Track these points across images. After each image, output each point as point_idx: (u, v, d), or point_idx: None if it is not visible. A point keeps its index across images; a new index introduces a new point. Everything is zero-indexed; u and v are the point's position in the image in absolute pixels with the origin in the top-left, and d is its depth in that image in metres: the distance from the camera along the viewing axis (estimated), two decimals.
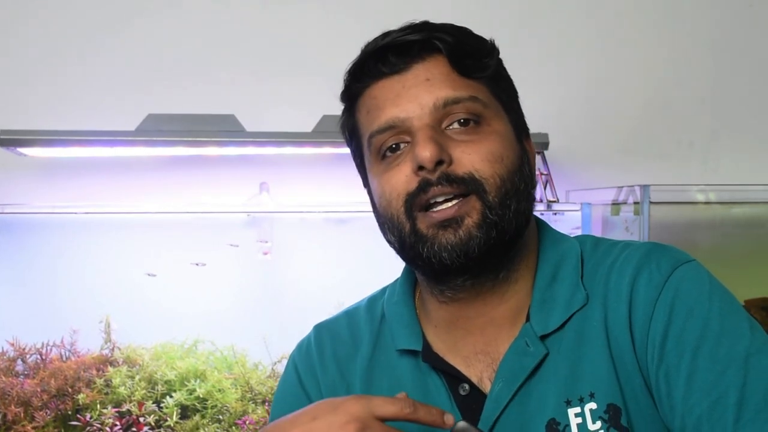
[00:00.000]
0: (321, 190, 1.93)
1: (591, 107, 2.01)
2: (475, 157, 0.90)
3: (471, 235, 0.89)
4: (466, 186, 0.89)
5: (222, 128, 1.68)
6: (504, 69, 0.98)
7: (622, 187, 1.74)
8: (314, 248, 1.91)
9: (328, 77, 1.88)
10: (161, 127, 1.67)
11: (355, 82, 0.97)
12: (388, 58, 0.93)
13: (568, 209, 1.85)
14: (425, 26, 0.93)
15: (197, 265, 1.86)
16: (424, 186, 0.89)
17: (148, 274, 1.86)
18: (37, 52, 1.91)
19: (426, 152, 0.88)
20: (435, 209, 0.90)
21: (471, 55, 0.93)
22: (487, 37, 0.97)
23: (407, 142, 0.92)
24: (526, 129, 1.01)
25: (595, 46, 2.02)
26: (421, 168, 0.89)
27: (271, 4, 1.96)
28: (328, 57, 1.94)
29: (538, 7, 1.99)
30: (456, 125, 0.91)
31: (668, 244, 0.95)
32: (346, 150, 1.72)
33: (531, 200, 0.96)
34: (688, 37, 2.05)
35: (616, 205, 1.77)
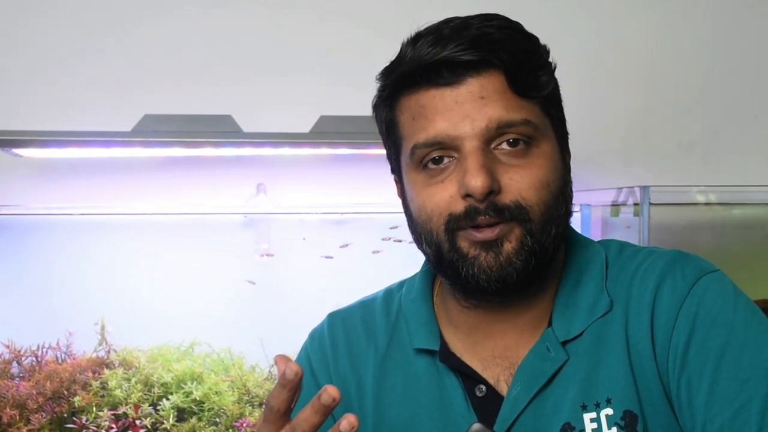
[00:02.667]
0: (319, 191, 1.92)
1: (591, 108, 2.00)
2: (522, 184, 0.87)
3: (510, 261, 0.87)
4: (511, 214, 0.87)
5: (219, 129, 1.66)
6: (556, 80, 0.95)
7: (622, 188, 1.73)
8: (312, 249, 1.90)
9: (325, 78, 1.91)
10: (158, 128, 1.65)
11: (401, 87, 0.92)
12: (441, 72, 0.88)
13: None
14: (482, 40, 0.87)
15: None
16: (471, 213, 0.87)
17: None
18: (32, 53, 1.90)
19: (478, 182, 0.85)
20: (477, 229, 0.88)
21: (528, 72, 0.89)
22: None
23: (452, 157, 0.89)
24: (567, 135, 0.98)
25: (594, 46, 2.02)
26: (468, 195, 0.86)
27: (268, 4, 1.95)
28: (325, 57, 1.94)
29: (536, 7, 1.98)
30: (505, 145, 0.88)
31: (693, 253, 0.94)
32: (344, 151, 1.73)
33: (569, 219, 0.94)
34: (688, 37, 2.04)
35: (615, 206, 1.76)
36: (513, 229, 0.87)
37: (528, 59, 0.90)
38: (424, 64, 0.88)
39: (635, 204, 1.68)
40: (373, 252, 1.81)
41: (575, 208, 1.87)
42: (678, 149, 2.04)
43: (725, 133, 2.05)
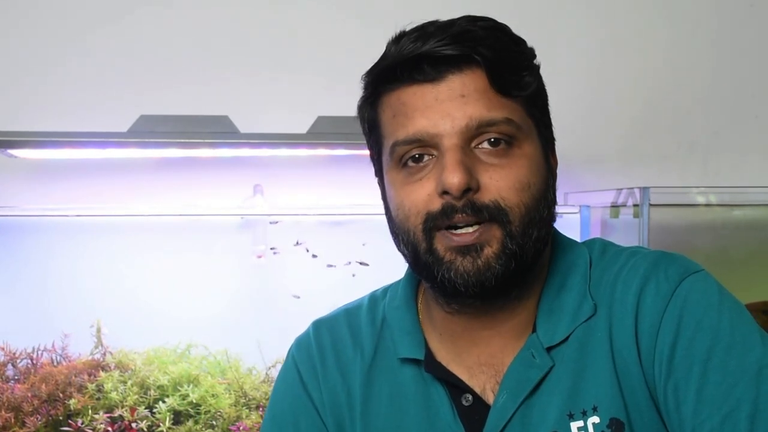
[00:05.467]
0: (316, 192, 1.91)
1: (590, 108, 1.99)
2: (502, 184, 0.86)
3: (489, 266, 0.86)
4: (489, 214, 0.86)
5: (215, 129, 1.65)
6: (541, 79, 0.93)
7: (622, 189, 1.72)
8: (309, 251, 1.89)
9: (323, 78, 1.90)
10: (154, 129, 1.64)
11: (383, 83, 0.91)
12: (422, 68, 0.87)
13: (566, 212, 1.84)
14: (465, 36, 0.87)
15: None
16: (447, 211, 0.86)
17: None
18: (27, 53, 1.89)
19: (455, 179, 0.84)
20: (455, 231, 0.87)
21: (510, 71, 0.88)
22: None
23: (432, 155, 0.88)
24: (553, 141, 0.97)
25: (594, 47, 2.01)
26: (446, 192, 0.86)
27: (266, 4, 1.94)
28: (323, 58, 1.93)
29: (535, 7, 1.97)
30: (486, 144, 0.87)
31: (676, 252, 0.93)
32: (342, 152, 1.72)
33: (552, 222, 0.93)
34: (688, 37, 2.03)
35: (615, 207, 1.75)
36: (493, 232, 0.86)
37: (511, 58, 0.88)
38: (405, 58, 0.87)
39: (635, 205, 1.67)
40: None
41: (574, 209, 1.86)
42: (678, 150, 2.03)
43: (726, 134, 2.04)
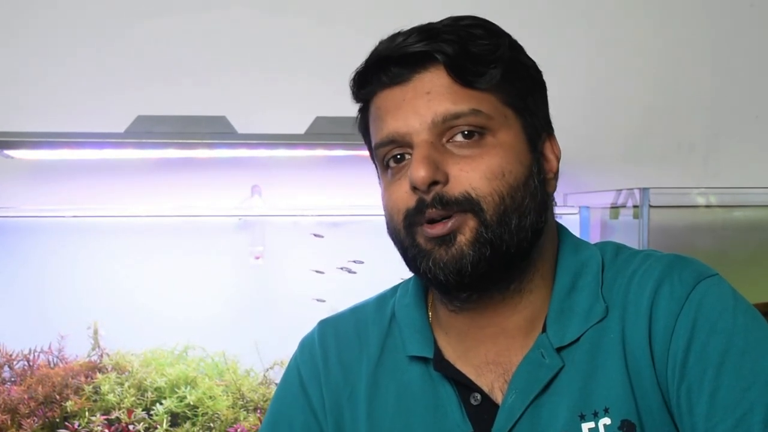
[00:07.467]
0: (314, 193, 1.91)
1: (590, 109, 1.99)
2: (473, 174, 0.87)
3: (463, 253, 0.87)
4: (461, 206, 0.86)
5: (213, 130, 1.65)
6: (521, 67, 0.93)
7: (621, 190, 1.72)
8: (307, 252, 1.88)
9: (321, 78, 1.89)
10: (151, 129, 1.64)
11: (360, 89, 0.95)
12: (390, 69, 0.90)
13: (566, 213, 1.83)
14: (428, 34, 0.89)
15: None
16: (420, 206, 0.88)
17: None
18: (24, 53, 1.88)
19: (419, 173, 0.86)
20: (431, 224, 0.88)
21: (475, 64, 0.88)
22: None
23: (410, 154, 0.89)
24: (548, 128, 0.96)
25: (595, 48, 2.00)
26: (415, 188, 0.87)
27: (263, 5, 1.93)
28: (321, 58, 1.93)
29: (536, 9, 1.97)
30: (459, 137, 0.88)
31: (691, 256, 0.92)
32: (340, 152, 1.72)
33: (541, 211, 0.92)
34: (689, 38, 2.03)
35: (615, 208, 1.75)
36: (467, 221, 0.87)
37: (476, 50, 0.89)
38: (373, 62, 0.91)
39: (635, 206, 1.67)
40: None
41: (573, 210, 1.85)
42: (678, 151, 2.03)
43: (726, 135, 2.04)
